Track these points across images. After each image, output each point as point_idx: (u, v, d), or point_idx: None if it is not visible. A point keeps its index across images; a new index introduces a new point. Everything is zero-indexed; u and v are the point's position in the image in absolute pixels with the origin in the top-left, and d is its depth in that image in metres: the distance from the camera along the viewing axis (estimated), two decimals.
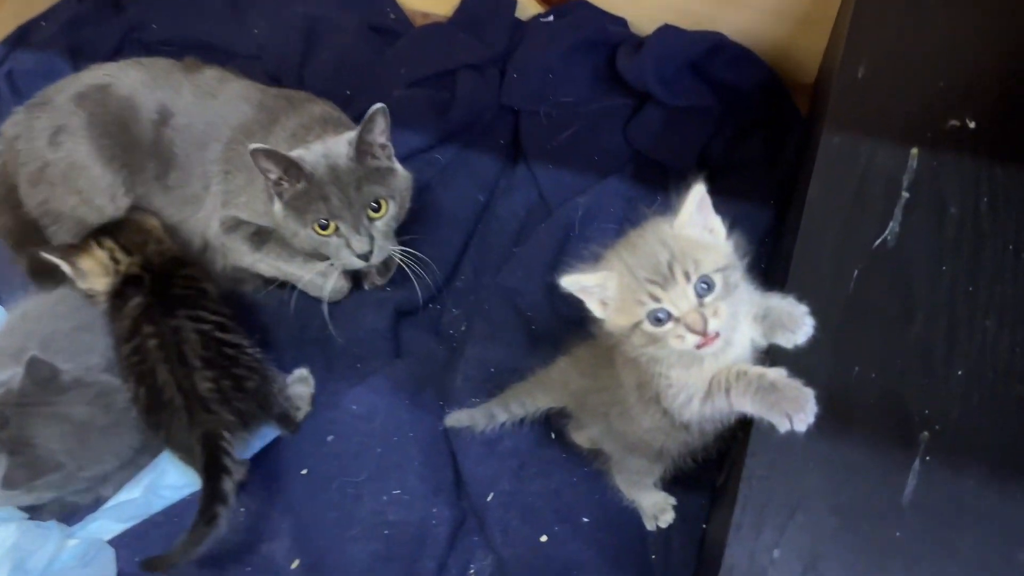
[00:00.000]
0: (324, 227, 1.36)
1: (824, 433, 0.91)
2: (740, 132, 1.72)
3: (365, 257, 1.38)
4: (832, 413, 0.92)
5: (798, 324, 0.97)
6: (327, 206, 1.34)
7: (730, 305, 0.92)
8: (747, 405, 0.93)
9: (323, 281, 1.51)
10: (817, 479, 0.92)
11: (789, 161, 1.64)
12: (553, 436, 1.41)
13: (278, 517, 1.39)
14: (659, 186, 1.67)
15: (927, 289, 1.05)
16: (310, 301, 1.57)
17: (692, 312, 0.90)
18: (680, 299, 0.91)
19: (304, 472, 1.41)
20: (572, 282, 0.97)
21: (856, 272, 1.07)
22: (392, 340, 1.53)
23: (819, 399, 0.89)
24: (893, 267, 1.07)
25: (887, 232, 1.10)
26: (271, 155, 1.31)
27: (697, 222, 0.97)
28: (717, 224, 0.99)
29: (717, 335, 0.91)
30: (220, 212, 1.53)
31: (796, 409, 0.90)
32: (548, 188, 1.70)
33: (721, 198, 0.96)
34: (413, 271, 1.48)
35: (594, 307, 0.99)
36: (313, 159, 1.35)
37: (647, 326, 0.93)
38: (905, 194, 1.13)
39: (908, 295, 1.05)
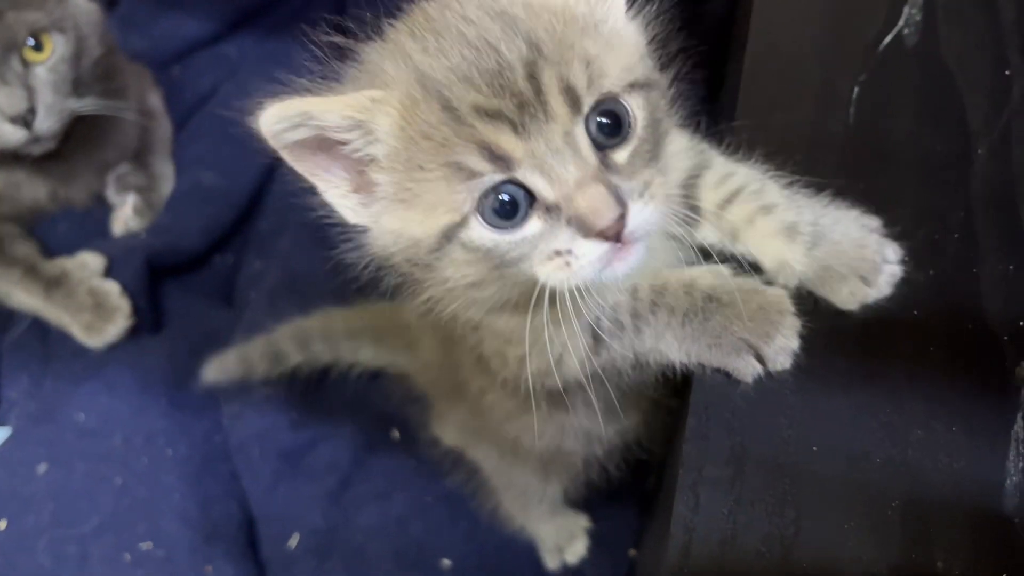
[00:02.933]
0: None
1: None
2: None
3: (23, 121, 0.92)
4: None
5: (873, 268, 0.52)
6: None
7: (663, 169, 0.49)
8: (678, 344, 0.53)
9: None
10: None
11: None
12: (396, 434, 0.91)
13: None
14: None
15: (985, 106, 0.57)
16: None
17: (590, 183, 0.45)
18: (558, 152, 0.45)
19: (1, 525, 0.91)
20: (283, 116, 0.47)
21: (856, 89, 0.59)
22: (147, 310, 1.00)
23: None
24: (920, 75, 0.59)
25: (902, 21, 0.62)
26: None
27: None
28: None
29: (635, 241, 0.47)
30: None
31: (764, 334, 0.50)
32: None
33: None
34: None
35: (338, 197, 0.50)
36: None
37: (478, 231, 0.47)
38: None
39: (955, 118, 0.57)
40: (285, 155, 0.48)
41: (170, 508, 0.88)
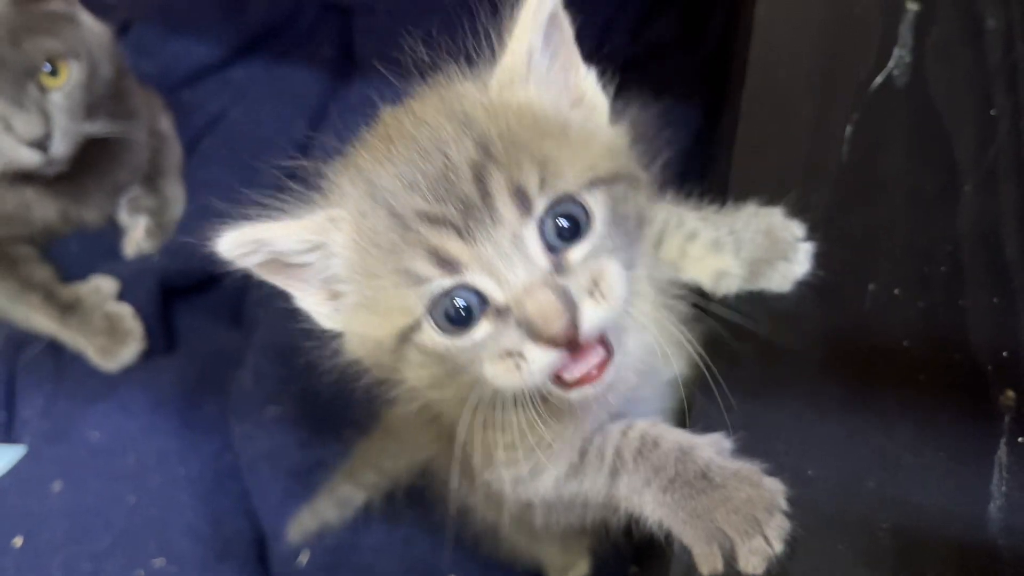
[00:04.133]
0: None
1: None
2: (649, 9, 1.26)
3: (40, 145, 0.94)
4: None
5: (788, 247, 0.57)
6: None
7: (625, 265, 0.47)
8: (652, 506, 0.52)
9: None
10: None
11: (716, 36, 1.19)
12: None
13: None
14: None
15: (972, 144, 0.60)
16: None
17: (538, 288, 0.44)
18: (506, 256, 0.45)
19: (17, 542, 0.92)
20: (239, 243, 0.48)
21: (849, 128, 0.62)
22: (159, 331, 1.02)
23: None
24: (910, 114, 0.62)
25: (892, 62, 0.65)
26: None
27: (546, 73, 0.51)
28: (589, 81, 0.53)
29: (606, 347, 0.46)
30: None
31: (744, 531, 0.47)
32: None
33: (630, 95, 0.59)
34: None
35: (312, 305, 0.52)
36: None
37: (430, 335, 0.47)
38: (912, 6, 0.68)
39: (943, 155, 0.60)
40: (254, 271, 0.50)
41: (182, 525, 0.90)
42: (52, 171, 0.98)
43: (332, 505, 0.89)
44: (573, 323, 0.43)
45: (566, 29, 0.52)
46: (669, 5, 1.28)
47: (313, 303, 0.52)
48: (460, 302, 0.45)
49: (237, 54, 1.30)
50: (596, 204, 0.46)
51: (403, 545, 0.88)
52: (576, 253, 0.46)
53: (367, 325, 0.49)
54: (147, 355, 1.00)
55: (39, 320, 1.00)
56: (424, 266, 0.45)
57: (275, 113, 1.27)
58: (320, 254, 0.49)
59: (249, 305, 1.11)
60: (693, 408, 0.56)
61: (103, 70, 1.00)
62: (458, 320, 0.46)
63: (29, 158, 0.94)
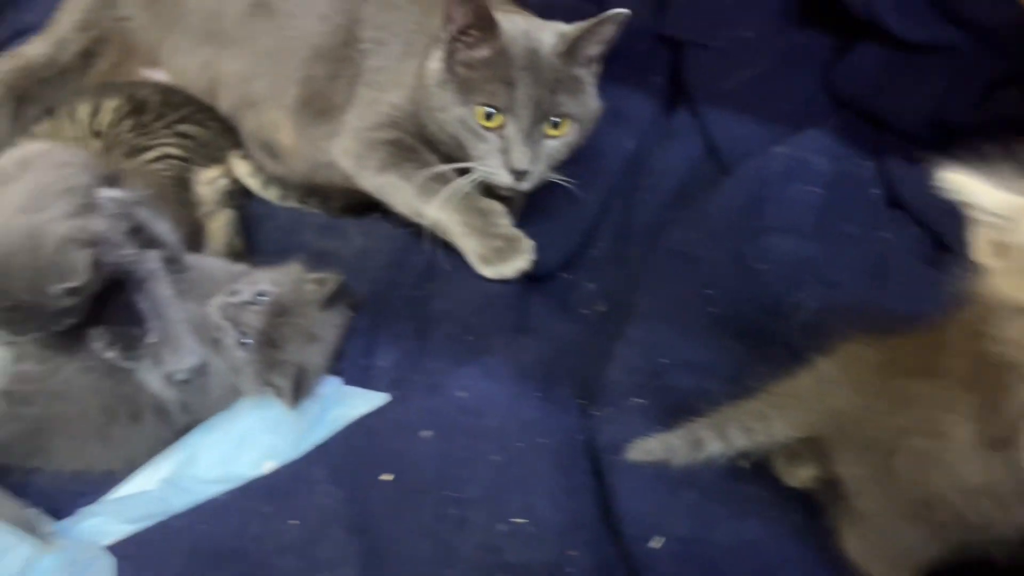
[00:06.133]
0: (489, 117, 1.08)
1: None
2: (990, 84, 1.31)
3: (519, 175, 1.09)
4: None
5: None
6: (507, 93, 1.07)
7: None
8: None
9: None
10: None
11: None
12: (746, 465, 0.98)
13: (343, 539, 0.98)
14: (873, 147, 1.31)
15: None
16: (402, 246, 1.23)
17: None
18: None
19: (387, 477, 1.01)
20: (962, 186, 0.57)
21: None
22: (517, 311, 1.13)
23: None
24: None
25: None
26: None
27: None
28: None
29: None
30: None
31: None
32: (723, 140, 1.37)
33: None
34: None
35: (981, 249, 0.59)
36: (512, 30, 1.09)
37: None
38: None
39: None
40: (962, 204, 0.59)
41: (543, 491, 0.97)
42: (505, 194, 1.15)
43: (685, 443, 0.94)
44: None
45: None
46: (1008, 82, 1.32)
47: (983, 249, 0.59)
48: None
49: None
50: None
51: (750, 550, 0.94)
52: None
53: None
54: (505, 331, 1.11)
55: (446, 216, 1.14)
56: None
57: (607, 127, 1.36)
58: (1012, 222, 0.58)
59: (572, 303, 1.21)
60: None
61: (581, 140, 1.16)
62: None
63: (504, 179, 1.11)
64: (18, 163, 1.01)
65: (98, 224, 0.97)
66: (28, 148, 1.06)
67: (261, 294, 1.05)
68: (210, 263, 1.14)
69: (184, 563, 0.97)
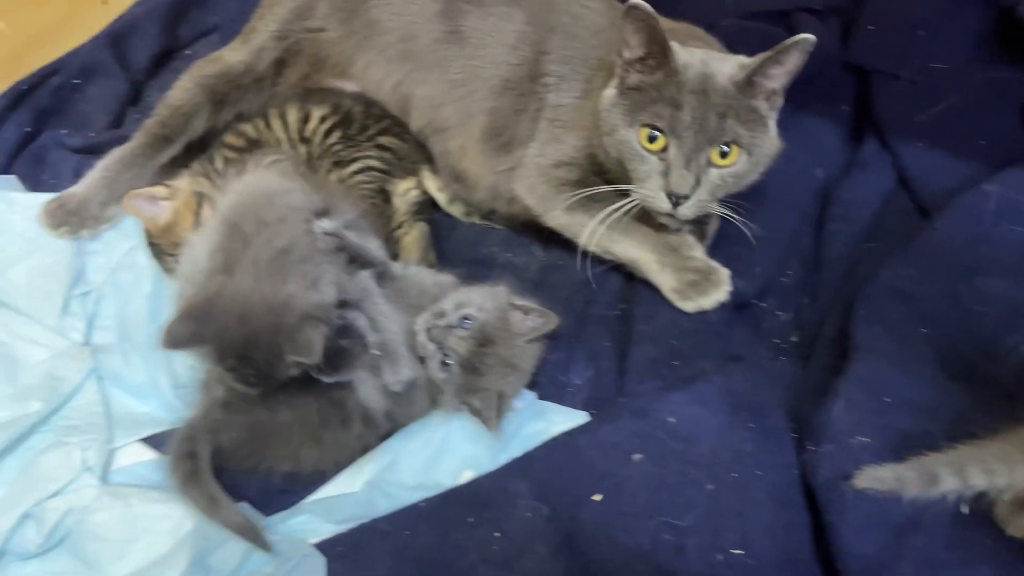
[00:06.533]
0: (652, 139, 1.06)
1: None
2: None
3: (676, 200, 1.06)
4: None
5: None
6: (672, 115, 1.04)
7: None
8: None
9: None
10: None
11: None
12: (965, 510, 0.96)
13: (548, 555, 0.98)
14: None
15: None
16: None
17: None
18: None
19: (597, 498, 1.01)
20: None
21: None
22: (723, 338, 1.12)
23: None
24: None
25: None
26: (647, 21, 1.02)
27: None
28: None
29: None
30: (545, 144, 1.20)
31: None
32: (916, 173, 1.33)
33: None
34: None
35: None
36: (688, 58, 1.07)
37: None
38: None
39: None
40: None
41: (760, 524, 0.96)
42: (663, 221, 1.13)
43: (918, 476, 0.91)
44: None
45: None
46: None
47: None
48: None
49: None
50: None
51: None
52: None
53: None
54: (717, 360, 1.10)
55: (639, 254, 1.15)
56: None
57: (796, 152, 1.35)
58: None
59: (762, 332, 1.20)
60: None
61: (754, 174, 1.11)
62: None
63: (661, 204, 1.07)
64: (263, 202, 1.04)
65: (329, 294, 0.99)
66: (266, 183, 1.09)
67: (467, 318, 1.06)
68: (418, 272, 1.16)
69: (392, 566, 0.99)
